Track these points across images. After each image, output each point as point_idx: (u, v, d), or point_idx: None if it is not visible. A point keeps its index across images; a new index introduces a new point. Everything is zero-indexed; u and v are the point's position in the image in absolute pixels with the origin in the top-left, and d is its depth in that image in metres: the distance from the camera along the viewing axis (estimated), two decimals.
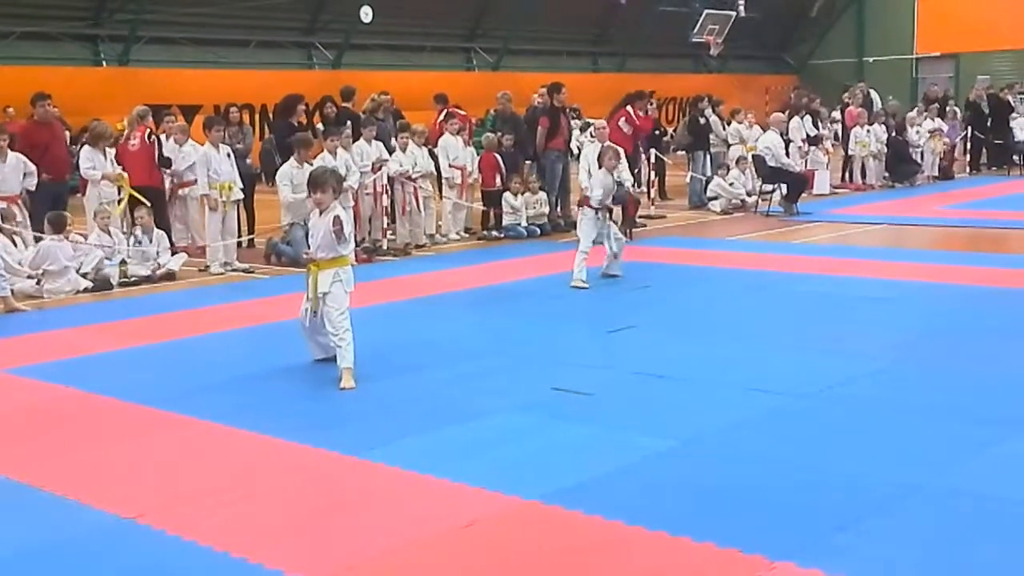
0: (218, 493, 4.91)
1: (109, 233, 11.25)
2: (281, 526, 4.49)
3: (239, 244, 12.34)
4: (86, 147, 12.11)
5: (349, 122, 13.42)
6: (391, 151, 13.11)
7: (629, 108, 15.04)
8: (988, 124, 22.50)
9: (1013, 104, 22.96)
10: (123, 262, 11.10)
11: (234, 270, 11.73)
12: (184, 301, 10.04)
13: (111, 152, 12.15)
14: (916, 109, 21.80)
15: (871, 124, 19.64)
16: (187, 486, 4.99)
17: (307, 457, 5.36)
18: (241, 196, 12.21)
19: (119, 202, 11.88)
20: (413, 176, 13.10)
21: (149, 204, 11.74)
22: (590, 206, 10.18)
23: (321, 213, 6.92)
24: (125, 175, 11.92)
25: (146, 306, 9.81)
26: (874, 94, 22.55)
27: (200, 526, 4.48)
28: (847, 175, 19.89)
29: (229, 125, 13.36)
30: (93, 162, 11.92)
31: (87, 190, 12.13)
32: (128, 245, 11.32)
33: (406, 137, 13.31)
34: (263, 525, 4.51)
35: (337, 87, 15.10)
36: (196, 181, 11.98)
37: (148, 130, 12.21)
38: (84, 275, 10.66)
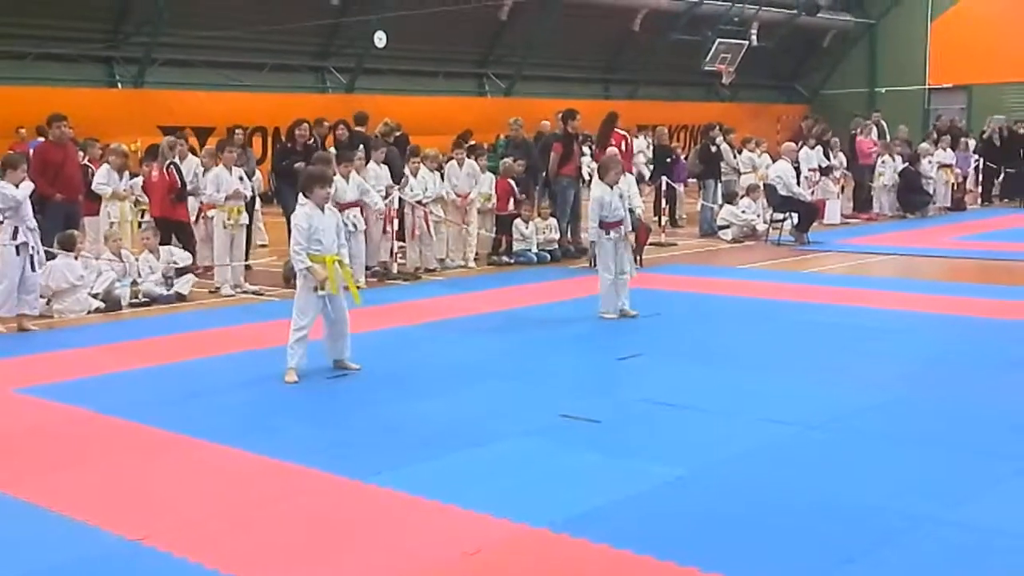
0: (224, 516, 4.89)
1: (120, 257, 11.30)
2: (286, 550, 4.47)
3: (247, 267, 12.39)
4: (105, 165, 12.32)
5: (362, 145, 13.49)
6: (402, 176, 13.15)
7: (619, 130, 15.13)
8: (1001, 156, 22.50)
9: None
10: (135, 282, 11.14)
11: (244, 292, 11.76)
12: (194, 322, 10.06)
13: (128, 175, 12.37)
14: (929, 139, 21.82)
15: (886, 155, 19.65)
16: (193, 508, 4.98)
17: (314, 481, 5.34)
18: (247, 220, 12.29)
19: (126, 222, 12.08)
20: (424, 201, 13.13)
21: (168, 233, 11.96)
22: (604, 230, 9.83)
23: (324, 210, 7.51)
24: (127, 196, 12.20)
25: (156, 327, 9.82)
26: (884, 124, 22.62)
27: (205, 549, 4.46)
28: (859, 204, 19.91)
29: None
30: (108, 179, 12.12)
31: (100, 209, 12.24)
32: (136, 262, 11.38)
33: (417, 162, 13.35)
34: (269, 549, 4.50)
35: (350, 111, 15.19)
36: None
37: (168, 161, 12.29)
38: (95, 295, 10.70)
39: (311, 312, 7.53)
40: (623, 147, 14.97)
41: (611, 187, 9.82)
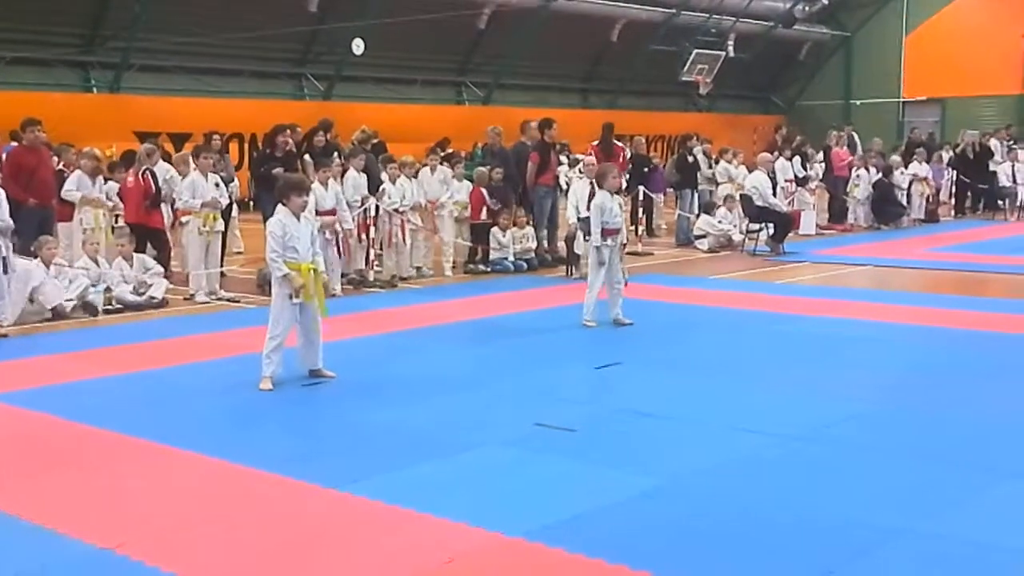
0: (198, 524, 4.86)
1: (97, 263, 11.21)
2: (260, 559, 4.45)
3: (223, 274, 12.33)
4: (77, 171, 12.22)
5: (337, 153, 13.45)
6: (380, 184, 13.12)
7: (616, 143, 15.25)
8: (974, 169, 22.69)
9: (995, 150, 23.18)
10: (108, 289, 11.06)
11: (219, 299, 11.70)
12: (169, 329, 9.99)
13: (102, 179, 12.26)
14: (899, 152, 21.99)
15: (860, 168, 19.80)
16: (167, 517, 4.95)
17: (288, 489, 5.32)
18: (223, 228, 12.24)
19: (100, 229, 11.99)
20: (401, 209, 13.11)
21: (142, 239, 11.89)
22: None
23: (299, 218, 7.58)
24: (100, 203, 12.09)
25: (130, 334, 9.75)
26: (855, 137, 22.75)
27: (179, 558, 4.43)
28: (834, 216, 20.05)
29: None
30: (77, 185, 12.02)
31: (73, 215, 12.15)
32: (109, 267, 11.29)
33: (395, 169, 13.33)
34: (243, 557, 4.47)
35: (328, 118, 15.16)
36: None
37: (144, 167, 12.23)
38: (69, 301, 10.61)
39: (285, 320, 7.51)
40: (621, 159, 15.11)
41: (610, 194, 9.89)
